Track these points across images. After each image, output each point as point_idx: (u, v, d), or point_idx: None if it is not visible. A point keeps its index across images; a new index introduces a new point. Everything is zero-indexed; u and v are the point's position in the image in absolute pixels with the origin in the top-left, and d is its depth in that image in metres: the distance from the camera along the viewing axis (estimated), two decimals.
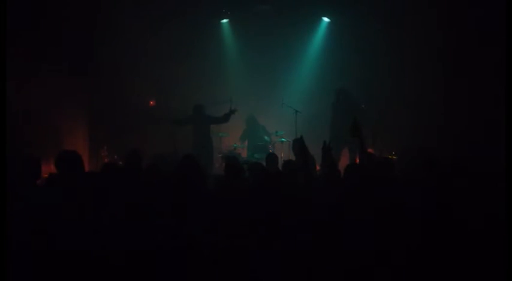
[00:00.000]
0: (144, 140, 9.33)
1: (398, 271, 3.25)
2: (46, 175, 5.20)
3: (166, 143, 9.28)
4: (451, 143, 8.39)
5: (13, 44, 6.52)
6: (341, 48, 10.40)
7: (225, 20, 11.10)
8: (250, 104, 10.52)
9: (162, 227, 3.47)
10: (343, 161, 8.57)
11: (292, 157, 7.79)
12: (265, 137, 10.00)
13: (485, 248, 3.31)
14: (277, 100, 9.92)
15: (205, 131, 9.25)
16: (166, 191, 4.02)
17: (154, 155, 7.08)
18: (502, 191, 3.69)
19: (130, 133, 9.61)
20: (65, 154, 4.45)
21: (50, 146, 8.10)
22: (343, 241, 3.36)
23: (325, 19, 10.92)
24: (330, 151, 4.92)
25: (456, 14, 8.68)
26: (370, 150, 8.88)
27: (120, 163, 8.12)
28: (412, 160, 7.52)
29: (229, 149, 9.94)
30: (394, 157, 8.68)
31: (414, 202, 3.74)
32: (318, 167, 6.66)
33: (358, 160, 6.83)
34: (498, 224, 3.39)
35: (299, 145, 4.55)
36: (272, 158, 6.52)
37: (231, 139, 10.28)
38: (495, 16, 7.25)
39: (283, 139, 9.80)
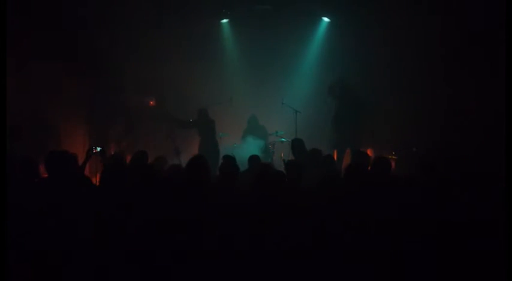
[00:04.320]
0: (144, 140, 9.33)
1: (398, 272, 3.25)
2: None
3: (166, 144, 9.28)
4: (450, 143, 8.39)
5: (13, 43, 6.53)
6: (341, 48, 10.39)
7: (225, 20, 11.09)
8: (250, 104, 10.50)
9: (162, 228, 3.46)
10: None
11: (292, 157, 7.77)
12: (264, 140, 9.95)
13: (485, 248, 3.30)
14: (277, 100, 9.91)
15: (211, 133, 9.35)
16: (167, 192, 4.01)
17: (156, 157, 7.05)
18: (502, 191, 3.69)
19: (130, 133, 9.62)
20: (51, 155, 4.42)
21: (49, 146, 8.09)
22: (342, 242, 3.36)
23: (325, 19, 10.92)
24: None
25: (456, 13, 8.69)
26: (369, 150, 8.89)
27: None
28: (412, 160, 7.52)
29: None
30: (394, 157, 8.68)
31: (413, 202, 3.73)
32: None
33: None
34: (498, 225, 3.38)
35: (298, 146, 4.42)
36: (253, 159, 6.53)
37: (230, 139, 10.26)
38: (495, 16, 7.25)
39: (283, 139, 9.77)
